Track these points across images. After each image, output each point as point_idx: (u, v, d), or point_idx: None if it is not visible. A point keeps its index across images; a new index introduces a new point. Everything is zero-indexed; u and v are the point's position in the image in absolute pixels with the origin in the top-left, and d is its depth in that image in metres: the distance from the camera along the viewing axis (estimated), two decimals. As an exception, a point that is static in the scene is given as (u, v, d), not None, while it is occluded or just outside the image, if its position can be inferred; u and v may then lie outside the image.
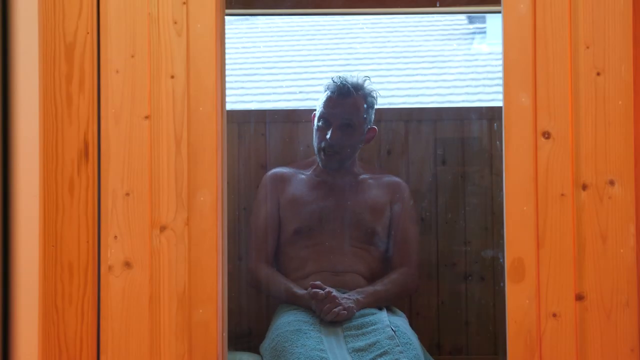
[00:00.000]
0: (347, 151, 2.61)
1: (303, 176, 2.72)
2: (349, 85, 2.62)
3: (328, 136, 2.57)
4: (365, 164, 2.78)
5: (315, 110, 2.67)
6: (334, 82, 2.64)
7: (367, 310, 2.44)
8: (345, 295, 2.45)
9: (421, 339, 2.49)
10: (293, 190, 2.69)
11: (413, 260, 2.67)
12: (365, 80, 2.67)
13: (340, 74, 2.69)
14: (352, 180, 2.69)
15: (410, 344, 2.29)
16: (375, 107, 2.68)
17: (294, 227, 2.63)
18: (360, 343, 2.28)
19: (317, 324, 2.39)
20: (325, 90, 2.66)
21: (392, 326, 2.34)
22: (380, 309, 2.50)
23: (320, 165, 2.65)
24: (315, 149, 2.64)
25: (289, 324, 2.40)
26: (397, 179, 2.78)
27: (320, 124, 2.61)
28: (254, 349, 2.56)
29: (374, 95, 2.67)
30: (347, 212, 2.64)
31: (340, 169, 2.65)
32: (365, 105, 2.63)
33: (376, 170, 2.81)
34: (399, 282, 2.61)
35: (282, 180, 2.71)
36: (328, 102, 2.62)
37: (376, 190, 2.70)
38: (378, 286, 2.54)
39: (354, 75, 2.68)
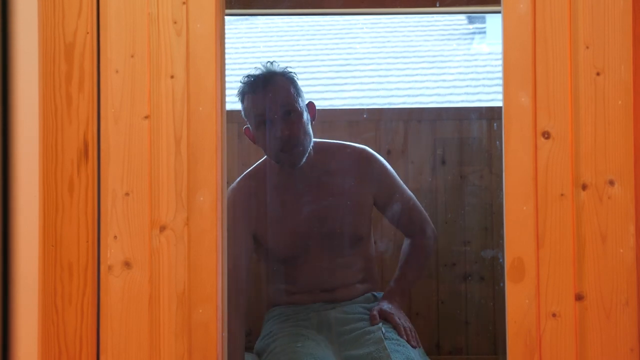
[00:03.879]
0: (305, 137, 2.41)
1: (269, 184, 2.50)
2: (262, 76, 2.44)
3: (278, 134, 2.37)
4: (318, 142, 2.55)
5: (245, 125, 2.50)
6: (245, 83, 2.46)
7: (361, 322, 2.40)
8: (379, 308, 2.40)
9: (421, 339, 2.49)
10: (267, 209, 2.47)
11: (425, 221, 2.58)
12: (272, 63, 2.48)
13: (245, 73, 2.49)
14: (317, 176, 2.48)
15: (401, 347, 2.28)
16: (298, 81, 2.48)
17: (278, 255, 2.49)
18: (354, 352, 2.28)
19: (311, 329, 2.39)
20: (243, 96, 2.46)
21: (382, 330, 2.32)
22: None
23: (286, 166, 2.45)
24: (272, 153, 2.43)
25: (283, 330, 2.39)
26: (362, 149, 2.57)
27: (261, 127, 2.41)
28: (252, 348, 2.56)
29: (290, 71, 2.48)
30: (326, 224, 2.47)
31: (304, 160, 2.43)
32: (289, 85, 2.44)
33: (334, 147, 2.58)
34: (418, 258, 2.55)
35: (250, 196, 2.48)
36: (254, 103, 2.42)
37: (346, 176, 2.51)
38: (397, 278, 2.50)
39: (256, 68, 2.49)
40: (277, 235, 2.47)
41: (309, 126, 2.45)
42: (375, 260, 2.62)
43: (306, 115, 2.44)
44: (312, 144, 2.46)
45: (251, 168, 2.56)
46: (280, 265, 2.53)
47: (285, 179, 2.49)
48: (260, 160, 2.55)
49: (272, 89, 2.42)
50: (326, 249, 2.48)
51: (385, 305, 2.41)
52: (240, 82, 2.47)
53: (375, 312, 2.38)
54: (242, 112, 2.48)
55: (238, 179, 2.54)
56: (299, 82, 2.49)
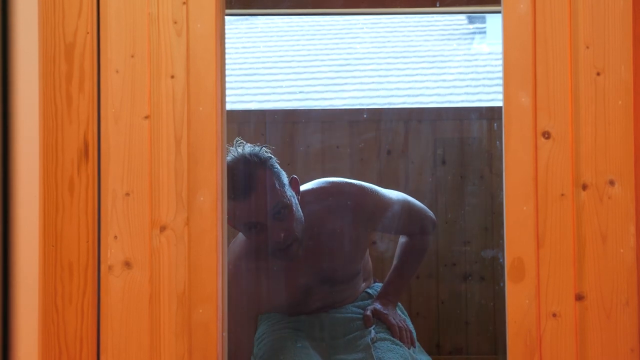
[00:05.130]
0: (299, 228, 2.24)
1: (263, 257, 2.31)
2: (237, 170, 2.20)
3: (273, 238, 2.19)
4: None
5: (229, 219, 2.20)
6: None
7: (354, 324, 2.39)
8: (372, 307, 2.38)
9: (421, 339, 2.49)
10: (266, 282, 2.34)
11: (422, 215, 2.48)
12: (243, 146, 2.25)
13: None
14: (309, 236, 2.30)
15: (396, 347, 2.28)
16: (273, 159, 2.26)
17: (277, 310, 2.43)
18: (343, 357, 2.28)
19: (303, 332, 2.39)
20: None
21: (372, 335, 2.32)
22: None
23: (283, 260, 2.28)
24: (269, 253, 2.26)
25: (273, 333, 2.39)
26: (336, 185, 2.41)
27: (252, 233, 2.22)
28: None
29: (264, 151, 2.25)
30: (326, 270, 2.38)
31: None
32: (271, 174, 2.23)
33: (311, 194, 2.39)
34: (412, 254, 2.48)
35: (248, 272, 2.32)
36: (239, 209, 2.18)
37: (333, 222, 2.35)
38: (392, 280, 2.46)
39: (229, 151, 2.23)
40: (277, 300, 2.39)
41: (299, 210, 2.26)
42: (369, 259, 2.60)
43: (295, 202, 2.25)
44: (303, 224, 2.28)
45: (238, 241, 2.36)
46: (280, 310, 2.46)
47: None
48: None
49: (255, 191, 2.19)
50: (326, 289, 2.42)
51: (379, 306, 2.41)
52: None
53: (369, 313, 2.37)
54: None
55: (232, 250, 2.34)
56: (271, 159, 2.25)
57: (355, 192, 2.40)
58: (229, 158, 2.21)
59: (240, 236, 2.35)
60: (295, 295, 2.40)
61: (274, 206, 2.20)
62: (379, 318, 2.37)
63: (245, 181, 2.19)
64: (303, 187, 2.37)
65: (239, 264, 2.31)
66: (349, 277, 2.47)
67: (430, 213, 2.52)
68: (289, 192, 2.25)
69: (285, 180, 2.26)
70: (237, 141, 2.27)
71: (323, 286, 2.41)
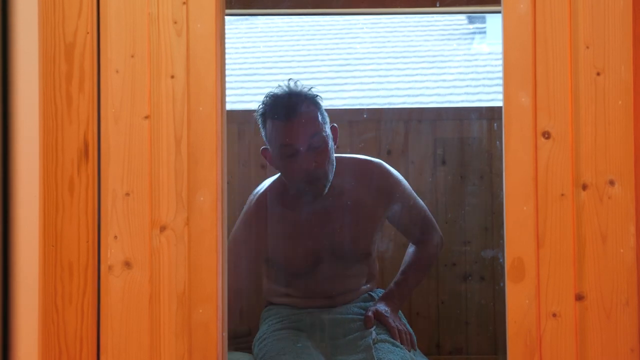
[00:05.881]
0: (330, 168, 2.32)
1: (285, 202, 2.42)
2: (288, 100, 2.29)
3: (304, 166, 2.27)
4: None
5: (262, 146, 2.38)
6: (267, 104, 2.32)
7: (355, 324, 2.40)
8: (374, 309, 2.39)
9: (421, 339, 2.49)
10: (282, 227, 2.42)
11: (432, 228, 2.54)
12: (296, 83, 2.35)
13: (267, 92, 2.35)
14: (331, 195, 2.39)
15: (396, 348, 2.28)
16: (322, 102, 2.37)
17: (287, 270, 2.47)
18: (344, 358, 2.28)
19: (304, 332, 2.39)
20: (265, 119, 2.33)
21: (373, 336, 2.32)
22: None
23: (307, 196, 2.36)
24: (294, 183, 2.34)
25: (275, 333, 2.39)
26: (373, 163, 2.50)
27: (286, 156, 2.29)
28: (250, 349, 2.56)
29: (313, 92, 2.35)
30: (338, 241, 2.43)
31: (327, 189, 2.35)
32: (316, 111, 2.32)
33: (347, 162, 2.48)
34: (419, 263, 2.51)
35: (265, 208, 2.40)
36: (281, 130, 2.29)
37: (359, 193, 2.43)
38: (396, 282, 2.47)
39: (279, 86, 2.35)
40: (289, 252, 2.43)
41: (333, 153, 2.34)
42: (376, 260, 2.61)
43: (331, 144, 2.33)
44: (334, 170, 2.36)
45: (267, 186, 2.47)
46: (286, 278, 2.51)
47: (301, 199, 2.41)
48: (276, 177, 2.47)
49: (298, 117, 2.28)
50: (334, 264, 2.45)
51: (382, 307, 2.41)
52: (262, 102, 2.34)
53: (370, 314, 2.37)
54: (263, 135, 2.37)
55: (257, 193, 2.46)
56: (319, 101, 2.37)
57: (383, 171, 2.48)
58: (278, 89, 2.34)
59: (262, 187, 2.44)
60: (303, 255, 2.42)
61: (312, 135, 2.27)
62: (379, 320, 2.37)
63: (290, 105, 2.28)
64: (337, 154, 2.44)
65: (258, 205, 2.40)
66: (356, 256, 2.47)
67: (440, 233, 2.58)
68: (328, 133, 2.33)
69: (328, 122, 2.35)
70: (290, 79, 2.38)
71: (332, 256, 2.43)
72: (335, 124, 2.40)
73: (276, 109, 2.29)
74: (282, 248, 2.43)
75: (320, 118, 2.31)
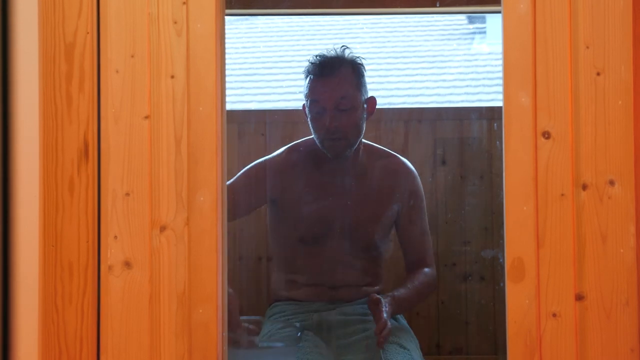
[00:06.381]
0: (352, 132, 2.41)
1: (311, 162, 2.51)
2: (329, 61, 2.43)
3: (327, 123, 2.38)
4: (369, 144, 2.58)
5: (304, 101, 2.48)
6: (312, 63, 2.44)
7: (361, 325, 2.38)
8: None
9: (421, 339, 2.49)
10: (300, 183, 2.51)
11: (431, 258, 2.54)
12: (344, 49, 2.47)
13: (318, 53, 2.48)
14: (356, 173, 2.48)
15: (399, 354, 2.27)
16: (365, 74, 2.47)
17: (295, 233, 2.49)
18: (351, 357, 2.27)
19: (310, 331, 2.39)
20: (307, 75, 2.45)
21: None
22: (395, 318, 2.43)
23: (326, 154, 2.45)
24: (317, 140, 2.44)
25: (280, 332, 2.39)
26: (405, 164, 2.56)
27: (314, 112, 2.41)
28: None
29: (359, 61, 2.46)
30: (350, 218, 2.47)
31: (348, 154, 2.44)
32: (354, 76, 2.43)
33: (381, 152, 2.59)
34: (423, 286, 2.48)
35: (286, 167, 2.52)
36: (314, 86, 2.42)
37: (382, 183, 2.50)
38: (402, 292, 2.42)
39: (330, 49, 2.48)
40: (301, 210, 2.48)
41: (363, 122, 2.43)
42: (383, 267, 2.58)
43: (361, 110, 2.42)
44: (360, 139, 2.46)
45: (299, 141, 2.59)
46: (293, 249, 2.50)
47: (327, 163, 2.49)
48: (310, 137, 2.55)
49: (334, 77, 2.40)
50: (342, 243, 2.46)
51: (383, 300, 2.39)
52: (309, 60, 2.46)
53: (375, 296, 2.31)
54: (304, 90, 2.48)
55: (284, 147, 2.58)
56: (362, 71, 2.47)
57: (411, 177, 2.54)
58: (327, 51, 2.46)
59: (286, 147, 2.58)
60: (313, 219, 2.46)
61: (341, 97, 2.38)
62: (375, 307, 2.33)
63: (328, 64, 2.41)
64: (378, 145, 2.57)
65: (277, 159, 2.53)
66: (361, 241, 2.47)
67: (435, 272, 2.55)
68: (361, 99, 2.42)
69: (366, 90, 2.45)
70: (343, 45, 2.49)
71: (341, 233, 2.45)
72: (374, 96, 2.48)
73: (316, 67, 2.42)
74: (296, 202, 2.48)
75: (355, 82, 2.42)
